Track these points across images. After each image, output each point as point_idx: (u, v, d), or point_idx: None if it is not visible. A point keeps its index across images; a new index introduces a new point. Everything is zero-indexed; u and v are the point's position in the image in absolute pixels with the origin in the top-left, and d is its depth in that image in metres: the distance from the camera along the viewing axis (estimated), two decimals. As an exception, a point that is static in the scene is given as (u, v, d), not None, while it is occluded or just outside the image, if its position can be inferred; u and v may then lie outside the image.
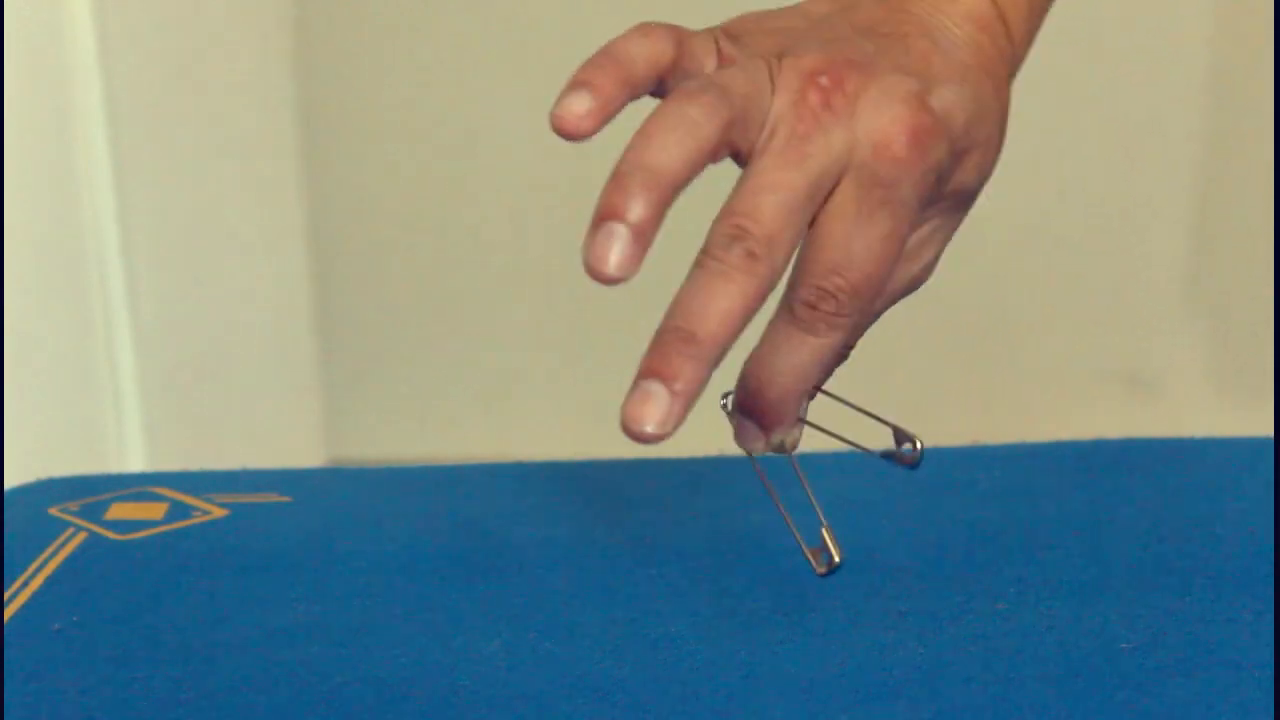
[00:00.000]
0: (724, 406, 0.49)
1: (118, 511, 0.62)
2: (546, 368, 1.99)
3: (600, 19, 1.60)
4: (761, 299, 0.45)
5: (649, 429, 0.44)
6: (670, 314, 0.45)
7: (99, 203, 1.27)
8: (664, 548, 0.57)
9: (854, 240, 0.46)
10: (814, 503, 0.49)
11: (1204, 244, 1.87)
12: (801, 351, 0.47)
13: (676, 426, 0.45)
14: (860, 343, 0.52)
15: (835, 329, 0.47)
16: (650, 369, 0.44)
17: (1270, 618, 0.50)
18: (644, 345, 0.45)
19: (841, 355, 0.49)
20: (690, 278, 0.46)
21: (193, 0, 1.54)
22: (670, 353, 0.44)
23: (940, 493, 0.62)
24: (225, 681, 0.48)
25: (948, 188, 0.50)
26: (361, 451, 2.01)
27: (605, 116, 0.46)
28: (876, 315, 0.50)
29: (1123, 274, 1.89)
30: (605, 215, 0.44)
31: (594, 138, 0.46)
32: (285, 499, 0.64)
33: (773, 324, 0.48)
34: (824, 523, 0.48)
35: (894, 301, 0.52)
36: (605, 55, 0.47)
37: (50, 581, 0.56)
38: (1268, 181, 1.74)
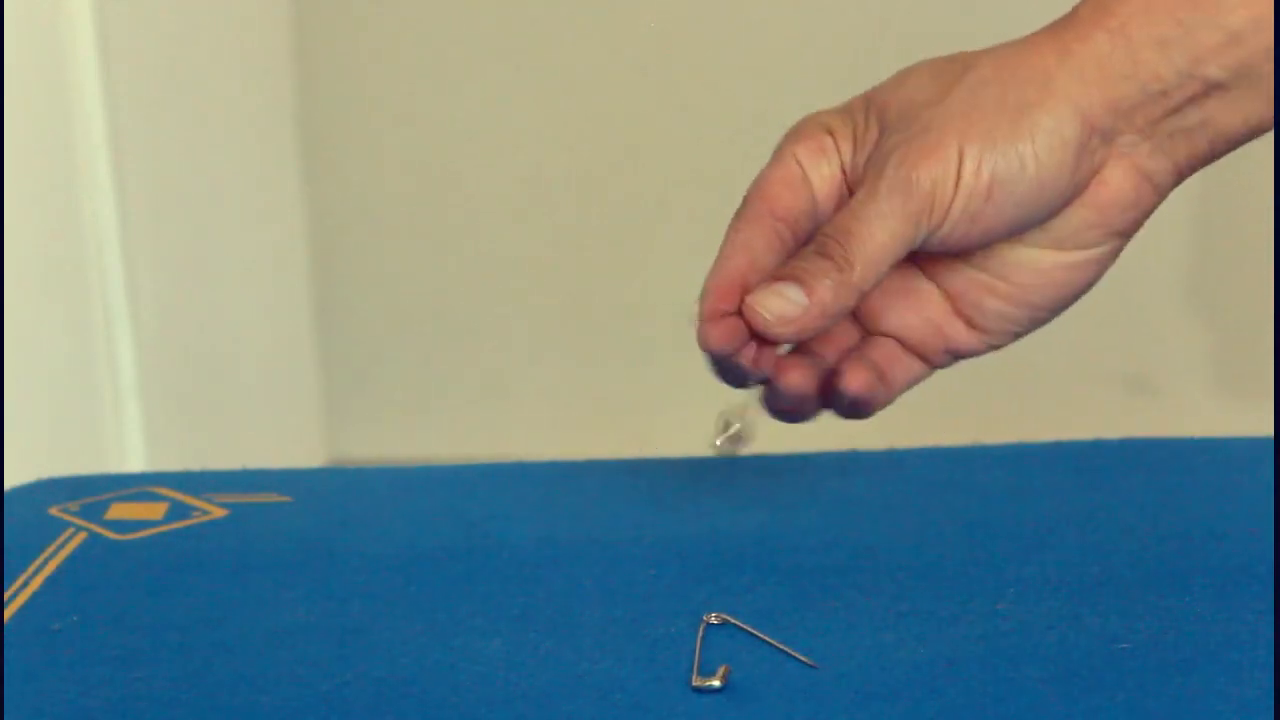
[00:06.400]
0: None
1: (118, 511, 0.62)
2: (546, 368, 1.99)
3: (600, 19, 1.60)
4: None
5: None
6: None
7: (99, 203, 1.27)
8: (664, 548, 0.57)
9: None
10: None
11: (1204, 244, 1.87)
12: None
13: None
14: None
15: None
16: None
17: (1270, 618, 0.50)
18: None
19: None
20: None
21: (193, 0, 1.55)
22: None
23: (940, 493, 0.62)
24: (225, 681, 0.48)
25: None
26: (361, 451, 2.01)
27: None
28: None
29: (1123, 274, 1.89)
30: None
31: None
32: (285, 499, 0.64)
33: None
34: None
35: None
36: None
37: (50, 581, 0.56)
38: (1268, 182, 1.74)
